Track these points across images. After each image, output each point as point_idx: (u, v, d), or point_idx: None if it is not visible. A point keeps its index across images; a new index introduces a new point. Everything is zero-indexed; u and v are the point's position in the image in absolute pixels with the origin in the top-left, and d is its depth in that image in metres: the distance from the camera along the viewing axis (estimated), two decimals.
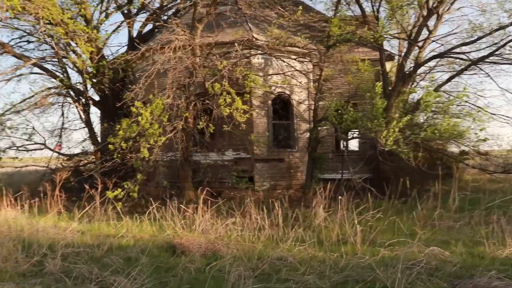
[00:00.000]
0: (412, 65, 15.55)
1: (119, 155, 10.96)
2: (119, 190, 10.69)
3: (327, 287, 5.85)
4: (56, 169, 14.82)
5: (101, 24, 16.86)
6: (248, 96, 12.49)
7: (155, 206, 9.87)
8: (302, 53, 15.07)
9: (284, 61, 14.27)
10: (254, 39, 14.09)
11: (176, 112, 12.57)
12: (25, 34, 14.74)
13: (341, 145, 15.53)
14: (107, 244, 8.16)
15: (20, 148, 15.54)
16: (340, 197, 9.35)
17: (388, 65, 16.86)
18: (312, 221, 9.43)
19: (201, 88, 13.54)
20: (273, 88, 15.24)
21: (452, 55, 15.52)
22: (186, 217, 9.78)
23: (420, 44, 15.77)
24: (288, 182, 15.41)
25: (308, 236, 8.45)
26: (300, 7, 12.83)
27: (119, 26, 16.58)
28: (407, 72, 15.09)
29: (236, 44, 12.61)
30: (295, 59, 14.88)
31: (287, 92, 15.75)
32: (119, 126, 11.22)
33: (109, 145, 10.91)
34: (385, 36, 13.17)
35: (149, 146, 11.04)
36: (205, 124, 12.44)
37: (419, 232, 7.73)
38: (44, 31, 12.14)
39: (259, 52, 14.13)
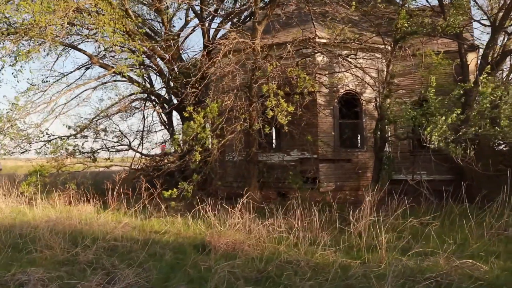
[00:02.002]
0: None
1: (175, 157, 11.65)
2: (174, 190, 11.37)
3: None
4: (138, 168, 16.13)
5: (181, 30, 18.03)
6: (297, 97, 12.33)
7: (208, 206, 10.33)
8: (368, 49, 14.39)
9: (346, 59, 13.80)
10: (316, 37, 13.86)
11: (236, 114, 12.94)
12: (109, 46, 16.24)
13: (403, 144, 14.53)
14: (145, 239, 8.75)
15: (110, 150, 17.22)
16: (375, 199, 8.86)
17: (472, 56, 15.32)
18: (351, 225, 9.06)
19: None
20: (339, 86, 14.82)
21: None
22: (232, 217, 10.02)
23: (509, 30, 14.07)
24: (355, 183, 14.85)
25: (342, 240, 8.20)
26: (353, 3, 12.28)
27: (191, 32, 17.50)
28: (491, 63, 13.53)
29: (288, 45, 12.53)
30: (349, 55, 14.21)
31: (355, 90, 15.19)
32: (177, 131, 11.94)
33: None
34: (455, 25, 11.92)
35: (201, 149, 11.53)
36: (261, 125, 12.63)
37: (449, 241, 7.03)
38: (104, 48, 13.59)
39: (321, 50, 13.84)
